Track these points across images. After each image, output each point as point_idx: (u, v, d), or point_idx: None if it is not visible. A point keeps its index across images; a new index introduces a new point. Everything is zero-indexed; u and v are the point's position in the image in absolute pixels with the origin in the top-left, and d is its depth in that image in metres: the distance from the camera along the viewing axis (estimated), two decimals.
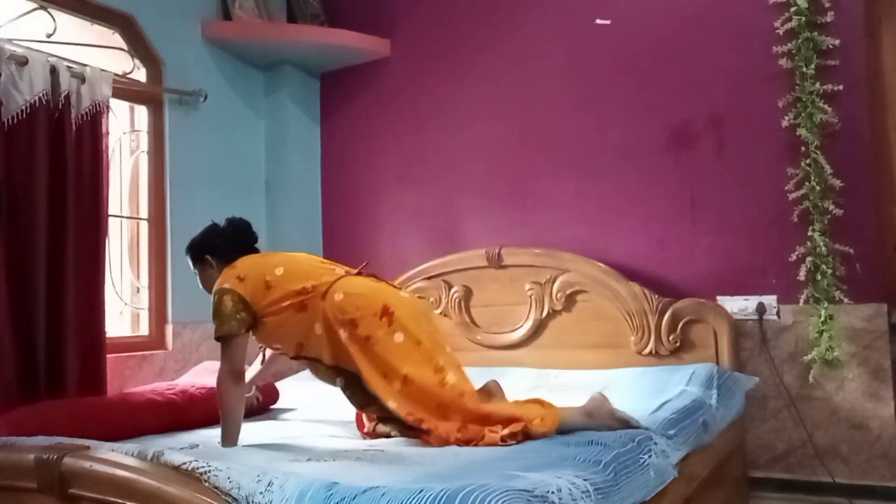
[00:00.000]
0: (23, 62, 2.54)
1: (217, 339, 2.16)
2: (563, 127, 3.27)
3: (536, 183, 3.31)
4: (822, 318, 2.67)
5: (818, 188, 2.68)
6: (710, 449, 2.28)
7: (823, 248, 2.67)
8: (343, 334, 2.03)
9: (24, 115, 2.53)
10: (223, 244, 2.33)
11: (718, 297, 2.90)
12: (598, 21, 3.20)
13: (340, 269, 2.25)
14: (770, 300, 2.83)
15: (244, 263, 2.22)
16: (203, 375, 2.84)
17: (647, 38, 3.10)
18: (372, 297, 2.10)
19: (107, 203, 2.80)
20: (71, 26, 2.98)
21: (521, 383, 2.93)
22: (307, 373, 3.43)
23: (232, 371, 2.14)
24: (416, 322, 2.09)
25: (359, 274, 2.26)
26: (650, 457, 1.85)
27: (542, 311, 3.16)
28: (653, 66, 3.10)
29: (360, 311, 2.04)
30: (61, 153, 2.63)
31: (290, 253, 2.40)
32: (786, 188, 2.78)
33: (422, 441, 1.97)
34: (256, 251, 2.36)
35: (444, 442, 1.91)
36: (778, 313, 2.82)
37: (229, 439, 2.07)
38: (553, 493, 1.38)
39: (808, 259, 2.71)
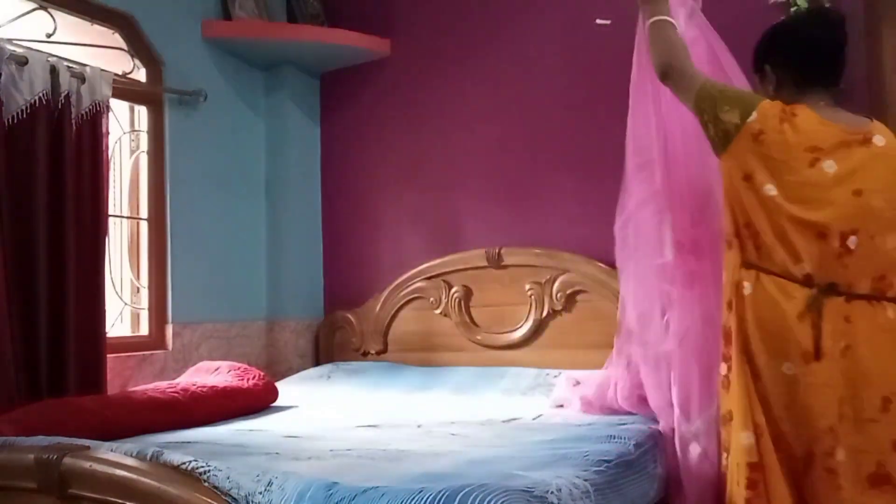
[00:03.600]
0: (23, 62, 2.54)
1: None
2: (563, 127, 3.26)
3: (536, 183, 3.31)
4: None
5: None
6: None
7: None
8: None
9: (24, 115, 2.53)
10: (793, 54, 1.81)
11: None
12: (598, 21, 3.19)
13: None
14: None
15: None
16: (203, 374, 2.85)
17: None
18: None
19: (107, 203, 2.80)
20: (71, 26, 2.98)
21: (520, 383, 2.94)
22: (307, 373, 3.47)
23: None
24: None
25: None
26: (655, 467, 1.85)
27: (542, 311, 3.16)
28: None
29: None
30: (61, 153, 2.63)
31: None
32: None
33: None
34: (835, 90, 1.80)
35: None
36: None
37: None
38: (553, 493, 1.38)
39: None
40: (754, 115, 1.71)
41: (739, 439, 1.69)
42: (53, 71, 2.64)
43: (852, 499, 1.59)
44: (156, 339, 3.21)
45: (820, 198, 1.67)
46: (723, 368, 1.80)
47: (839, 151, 1.69)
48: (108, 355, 2.77)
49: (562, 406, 2.57)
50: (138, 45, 3.19)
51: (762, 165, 1.70)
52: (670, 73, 1.90)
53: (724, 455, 1.80)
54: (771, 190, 1.69)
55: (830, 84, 1.80)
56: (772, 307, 1.68)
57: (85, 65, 2.80)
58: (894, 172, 1.70)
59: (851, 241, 1.65)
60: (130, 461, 1.50)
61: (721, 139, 1.76)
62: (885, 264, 1.66)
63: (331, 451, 1.89)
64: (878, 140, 1.71)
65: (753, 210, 1.72)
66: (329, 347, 3.73)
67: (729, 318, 1.77)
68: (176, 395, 2.50)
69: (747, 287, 1.71)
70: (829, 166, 1.67)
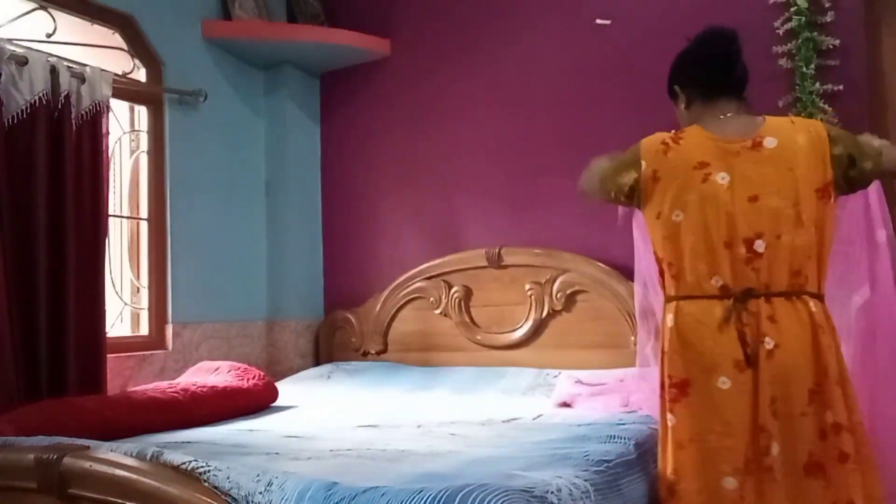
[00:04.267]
0: (23, 62, 2.54)
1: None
2: (563, 127, 3.26)
3: (536, 183, 3.31)
4: None
5: None
6: None
7: None
8: None
9: (24, 115, 2.53)
10: (693, 73, 1.92)
11: None
12: (598, 21, 3.20)
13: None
14: None
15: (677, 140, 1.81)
16: (203, 374, 2.85)
17: (647, 38, 3.10)
18: None
19: (107, 203, 2.80)
20: (71, 26, 2.98)
21: (520, 383, 2.94)
22: (307, 373, 3.47)
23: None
24: None
25: None
26: (656, 467, 1.85)
27: (542, 311, 3.16)
28: (653, 66, 3.08)
29: None
30: (61, 153, 2.63)
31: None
32: None
33: None
34: (739, 99, 1.86)
35: None
36: None
37: None
38: (553, 493, 1.38)
39: None
40: (642, 162, 1.82)
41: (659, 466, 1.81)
42: (53, 71, 2.64)
43: (789, 489, 1.64)
44: (156, 339, 3.21)
45: (719, 209, 1.72)
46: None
47: (727, 161, 1.74)
48: (108, 355, 2.77)
49: (566, 405, 2.57)
50: (138, 45, 3.19)
51: (667, 197, 1.78)
52: (582, 194, 2.04)
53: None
54: (678, 216, 1.76)
55: (733, 94, 1.87)
56: (694, 328, 1.73)
57: (85, 65, 2.80)
58: (787, 171, 1.72)
59: (758, 245, 1.70)
60: (130, 461, 1.50)
61: (638, 200, 1.87)
62: (798, 259, 1.71)
63: (331, 451, 1.89)
64: (769, 142, 1.75)
65: (666, 243, 1.79)
66: (329, 347, 3.73)
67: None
68: (176, 395, 2.50)
69: (669, 319, 1.78)
70: (723, 178, 1.73)
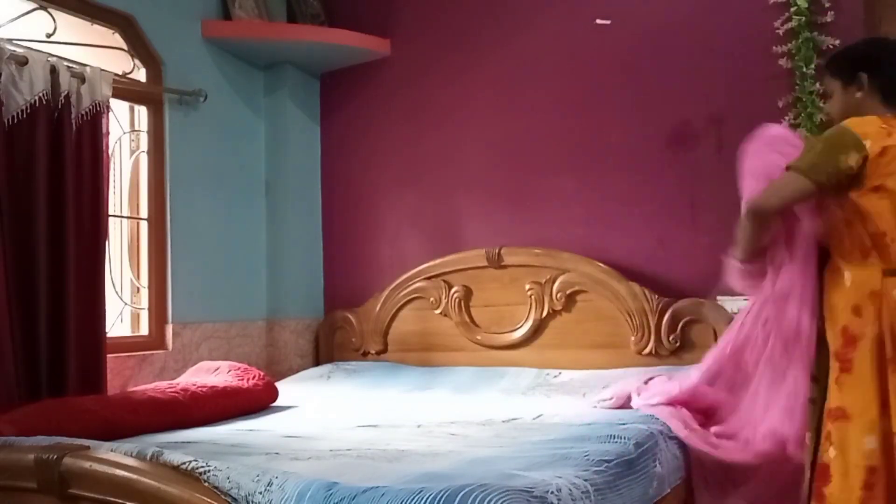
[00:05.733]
0: (23, 62, 2.54)
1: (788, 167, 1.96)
2: (562, 127, 3.26)
3: (536, 183, 3.31)
4: None
5: None
6: None
7: None
8: None
9: (24, 115, 2.53)
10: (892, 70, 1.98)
11: (719, 297, 2.89)
12: (598, 21, 3.20)
13: None
14: None
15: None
16: (203, 374, 2.85)
17: (647, 38, 3.10)
18: None
19: (107, 203, 2.80)
20: (71, 26, 2.98)
21: (520, 383, 2.94)
22: (307, 373, 3.47)
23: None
24: None
25: None
26: (655, 467, 1.85)
27: (542, 311, 3.16)
28: (653, 66, 3.10)
29: None
30: (61, 153, 2.63)
31: None
32: None
33: None
34: None
35: None
36: None
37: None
38: (553, 493, 1.38)
39: None
40: (866, 142, 1.88)
41: (862, 443, 1.82)
42: (53, 71, 2.64)
43: None
44: (156, 339, 3.21)
45: None
46: (834, 367, 1.92)
47: None
48: (108, 355, 2.77)
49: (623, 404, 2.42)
50: (138, 45, 3.19)
51: (889, 173, 1.87)
52: (756, 210, 2.04)
53: (828, 447, 1.89)
54: None
55: None
56: None
57: (85, 65, 2.80)
58: None
59: None
60: (130, 461, 1.50)
61: (858, 181, 1.91)
62: None
63: (331, 451, 1.89)
64: None
65: (883, 217, 1.88)
66: (329, 347, 3.73)
67: (855, 323, 1.89)
68: (176, 395, 2.50)
69: None
70: None
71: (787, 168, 1.95)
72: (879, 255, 1.90)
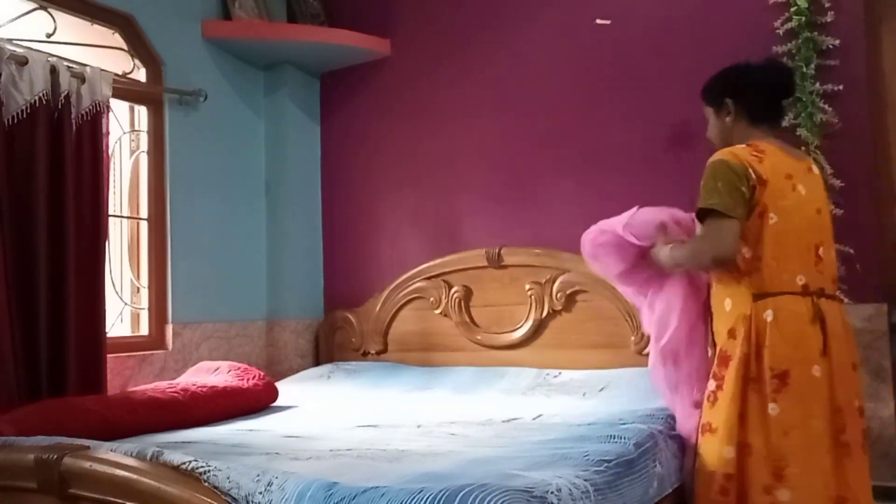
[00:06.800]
0: (23, 62, 2.54)
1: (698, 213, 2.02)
2: (562, 127, 3.26)
3: (536, 182, 3.31)
4: None
5: None
6: None
7: None
8: None
9: (24, 115, 2.53)
10: (754, 94, 2.10)
11: None
12: (598, 21, 3.20)
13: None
14: None
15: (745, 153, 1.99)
16: (203, 374, 2.85)
17: (647, 38, 3.10)
18: None
19: (107, 203, 2.80)
20: (71, 26, 2.98)
21: (520, 383, 2.94)
22: (307, 373, 3.47)
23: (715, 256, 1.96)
24: None
25: None
26: (655, 467, 1.85)
27: (542, 311, 3.16)
28: (653, 66, 3.10)
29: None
30: (61, 153, 2.63)
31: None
32: None
33: None
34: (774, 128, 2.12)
35: None
36: None
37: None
38: (553, 493, 1.38)
39: None
40: (749, 171, 1.96)
41: (722, 452, 1.93)
42: (53, 71, 2.64)
43: (857, 464, 1.91)
44: (156, 339, 3.21)
45: (801, 216, 1.98)
46: (711, 385, 2.03)
47: (803, 176, 2.03)
48: (108, 355, 2.77)
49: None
50: (138, 45, 3.19)
51: (767, 201, 1.96)
52: (716, 261, 2.04)
53: (695, 458, 2.04)
54: (773, 218, 1.95)
55: (775, 123, 2.16)
56: (795, 321, 1.92)
57: (85, 65, 2.80)
58: (823, 196, 2.09)
59: (821, 251, 1.99)
60: (130, 461, 1.50)
61: (750, 207, 1.98)
62: (834, 269, 2.06)
63: (331, 451, 1.89)
64: (815, 169, 2.11)
65: (760, 241, 1.96)
66: (329, 347, 3.73)
67: (729, 345, 1.99)
68: (176, 395, 2.51)
69: (769, 314, 1.93)
70: (801, 189, 2.00)
71: (703, 213, 2.00)
72: (750, 280, 1.97)
